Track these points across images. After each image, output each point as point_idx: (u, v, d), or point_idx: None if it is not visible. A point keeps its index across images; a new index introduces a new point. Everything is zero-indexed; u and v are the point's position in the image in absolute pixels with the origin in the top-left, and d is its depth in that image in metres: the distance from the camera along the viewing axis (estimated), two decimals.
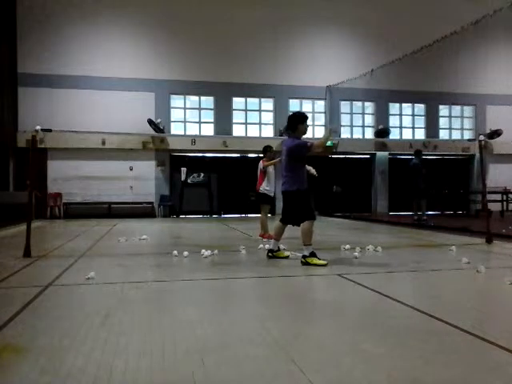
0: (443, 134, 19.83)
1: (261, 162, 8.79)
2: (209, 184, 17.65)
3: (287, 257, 6.02)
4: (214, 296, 4.15)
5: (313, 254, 5.44)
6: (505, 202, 15.73)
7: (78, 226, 12.30)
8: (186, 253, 6.19)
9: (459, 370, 2.26)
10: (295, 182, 5.63)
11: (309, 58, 17.99)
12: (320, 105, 18.82)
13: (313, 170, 7.09)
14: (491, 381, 2.18)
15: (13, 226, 11.01)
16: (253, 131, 18.17)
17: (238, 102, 18.12)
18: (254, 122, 18.27)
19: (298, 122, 5.86)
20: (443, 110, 19.82)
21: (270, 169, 8.73)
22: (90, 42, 16.49)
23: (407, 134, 19.41)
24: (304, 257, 5.45)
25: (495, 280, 4.49)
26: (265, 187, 8.64)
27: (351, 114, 19.20)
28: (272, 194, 8.75)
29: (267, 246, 6.96)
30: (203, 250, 6.27)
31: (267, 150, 8.92)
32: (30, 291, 4.01)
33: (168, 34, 16.99)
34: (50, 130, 6.97)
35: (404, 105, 19.60)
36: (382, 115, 19.10)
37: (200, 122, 17.78)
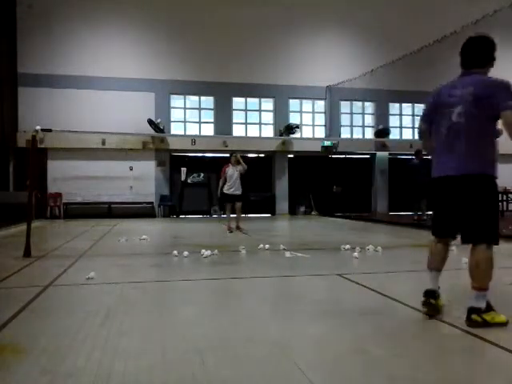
0: None
1: (224, 168, 10.15)
2: (209, 184, 17.65)
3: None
4: (214, 296, 4.15)
5: (489, 308, 3.04)
6: (505, 202, 15.72)
7: (77, 225, 12.30)
8: (186, 253, 6.18)
9: (460, 370, 2.26)
10: (486, 162, 3.01)
11: (309, 58, 17.99)
12: (320, 105, 18.82)
13: None
14: (492, 381, 2.18)
15: (13, 225, 11.01)
16: (253, 131, 18.18)
17: (238, 102, 18.12)
18: (254, 122, 18.28)
19: (493, 50, 3.24)
20: None
21: (230, 171, 9.93)
22: (90, 41, 16.49)
23: (407, 134, 19.41)
24: (473, 311, 2.97)
25: (495, 280, 4.48)
26: (227, 188, 9.97)
27: (351, 114, 19.20)
28: (233, 193, 9.98)
29: (267, 246, 6.96)
30: (203, 250, 6.27)
31: (231, 155, 10.24)
32: (30, 291, 4.00)
33: (168, 34, 16.98)
34: (50, 130, 6.98)
35: (404, 105, 19.60)
36: (381, 115, 19.11)
37: (200, 122, 17.78)
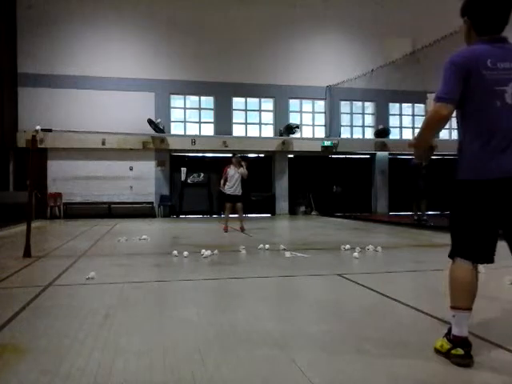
0: (443, 134, 19.80)
1: (225, 168, 10.31)
2: (209, 184, 17.65)
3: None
4: (214, 296, 4.15)
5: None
6: None
7: (77, 226, 12.29)
8: (185, 253, 6.18)
9: (460, 369, 2.26)
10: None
11: (309, 58, 17.99)
12: (320, 105, 18.82)
13: None
14: (492, 381, 2.18)
15: (13, 225, 11.00)
16: (253, 131, 18.18)
17: (237, 102, 18.12)
18: (254, 122, 18.28)
19: None
20: None
21: (231, 172, 10.06)
22: (90, 41, 16.48)
23: (407, 134, 19.40)
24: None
25: (495, 280, 4.49)
26: (228, 188, 10.15)
27: (351, 113, 19.20)
28: (234, 193, 10.13)
29: (267, 246, 6.97)
30: (203, 250, 6.27)
31: (233, 156, 10.61)
32: (30, 291, 4.01)
33: (168, 34, 16.98)
34: (50, 130, 7.00)
35: (404, 105, 19.60)
36: (381, 115, 19.10)
37: (200, 122, 17.78)
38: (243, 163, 10.21)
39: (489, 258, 2.43)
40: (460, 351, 2.29)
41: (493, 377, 2.20)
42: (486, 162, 2.27)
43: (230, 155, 17.55)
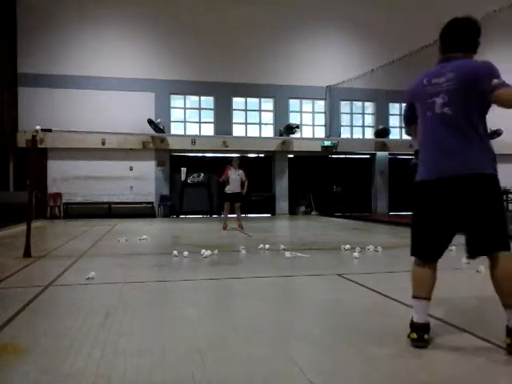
0: None
1: (226, 169, 10.80)
2: (209, 184, 17.65)
3: None
4: (214, 296, 4.15)
5: None
6: (505, 202, 15.74)
7: (77, 226, 12.29)
8: (185, 253, 6.18)
9: (460, 369, 2.26)
10: (483, 159, 2.54)
11: (309, 58, 17.99)
12: (320, 105, 18.82)
13: None
14: (493, 380, 2.18)
15: (13, 226, 11.01)
16: (253, 131, 18.18)
17: (237, 102, 18.12)
18: (254, 122, 18.28)
19: (479, 34, 2.85)
20: None
21: (233, 175, 10.56)
22: (90, 41, 16.49)
23: None
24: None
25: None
26: (227, 188, 10.70)
27: (351, 113, 19.20)
28: (235, 191, 10.67)
29: (267, 246, 6.97)
30: (203, 250, 6.27)
31: (233, 160, 10.96)
32: (30, 291, 4.00)
33: (168, 34, 16.99)
34: (50, 130, 6.98)
35: (404, 105, 19.55)
36: (381, 115, 19.10)
37: (200, 122, 17.78)
38: (246, 180, 10.80)
39: (435, 256, 2.79)
40: (414, 335, 2.57)
41: (494, 377, 2.20)
42: (427, 164, 2.66)
43: (230, 155, 17.69)
